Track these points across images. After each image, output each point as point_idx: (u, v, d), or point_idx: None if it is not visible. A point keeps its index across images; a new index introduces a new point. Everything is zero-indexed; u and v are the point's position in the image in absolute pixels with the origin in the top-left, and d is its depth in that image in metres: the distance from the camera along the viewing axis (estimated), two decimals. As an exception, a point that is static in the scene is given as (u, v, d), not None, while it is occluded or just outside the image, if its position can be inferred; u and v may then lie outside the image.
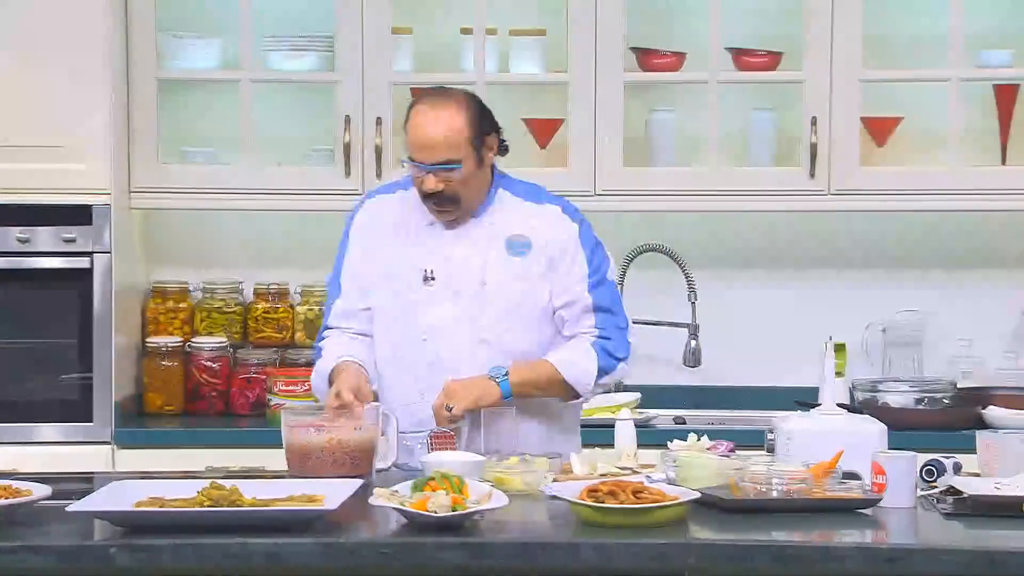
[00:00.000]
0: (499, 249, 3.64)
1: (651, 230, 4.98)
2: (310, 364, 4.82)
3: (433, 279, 3.63)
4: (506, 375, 3.54)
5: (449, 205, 3.61)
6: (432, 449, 3.43)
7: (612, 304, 3.69)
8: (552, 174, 4.74)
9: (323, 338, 3.74)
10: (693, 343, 4.94)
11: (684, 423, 4.83)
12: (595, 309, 3.66)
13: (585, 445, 3.69)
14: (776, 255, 5.07)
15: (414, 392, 3.61)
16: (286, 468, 3.47)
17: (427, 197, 3.60)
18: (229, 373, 4.89)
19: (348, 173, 4.76)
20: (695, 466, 3.21)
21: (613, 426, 3.64)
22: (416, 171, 3.58)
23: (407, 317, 3.63)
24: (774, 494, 3.07)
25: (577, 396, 3.65)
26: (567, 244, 3.65)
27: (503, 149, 3.67)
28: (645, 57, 4.88)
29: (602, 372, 3.63)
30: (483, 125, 3.61)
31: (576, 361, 3.61)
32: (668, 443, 3.45)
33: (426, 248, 3.65)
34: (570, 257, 3.65)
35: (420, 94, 3.68)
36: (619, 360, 3.65)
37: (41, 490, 3.01)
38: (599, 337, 3.64)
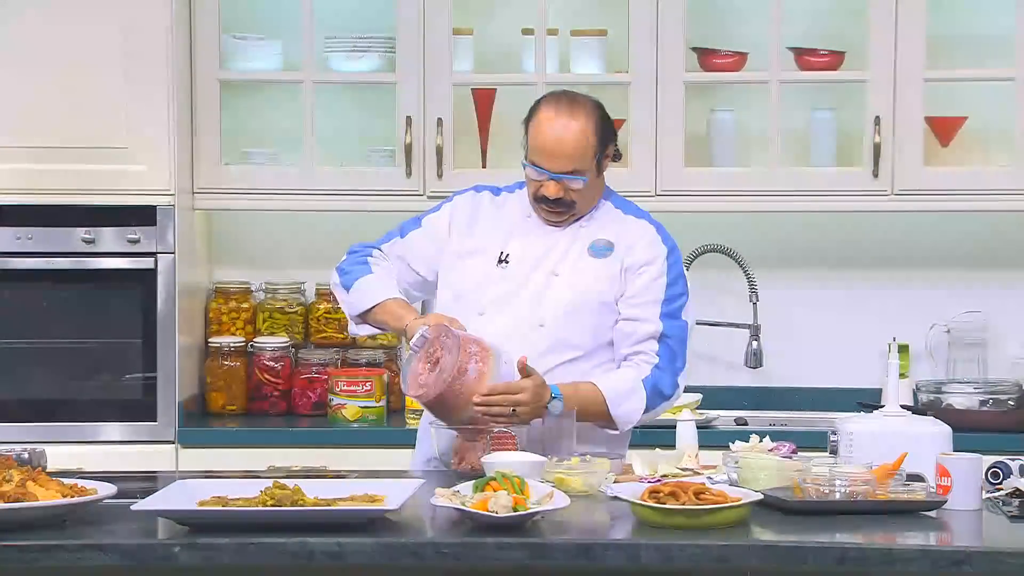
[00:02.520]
0: (581, 248, 3.65)
1: (712, 230, 4.97)
2: (372, 364, 4.90)
3: (507, 262, 3.65)
4: (559, 397, 3.49)
5: (563, 210, 3.63)
6: (492, 449, 3.43)
7: (678, 342, 3.63)
8: (613, 174, 4.71)
9: (370, 253, 3.73)
10: (754, 344, 4.93)
11: (745, 424, 4.82)
12: (660, 338, 3.61)
13: (646, 446, 3.68)
14: (838, 255, 5.04)
15: None
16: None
17: (541, 200, 3.61)
18: (291, 373, 4.92)
19: (409, 174, 4.78)
20: (757, 467, 3.19)
21: (674, 427, 3.63)
22: (537, 175, 3.59)
23: (471, 292, 3.65)
24: (837, 496, 3.06)
25: (615, 429, 3.60)
26: (651, 261, 3.63)
27: (616, 156, 3.68)
28: (706, 57, 4.87)
29: (647, 410, 3.59)
30: (607, 135, 3.61)
31: (625, 400, 3.56)
32: (730, 444, 3.44)
33: (510, 235, 3.67)
34: (652, 275, 3.62)
35: (549, 97, 3.62)
36: (665, 398, 3.61)
37: (106, 489, 3.03)
38: (654, 367, 3.59)
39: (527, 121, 3.63)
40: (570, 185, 3.58)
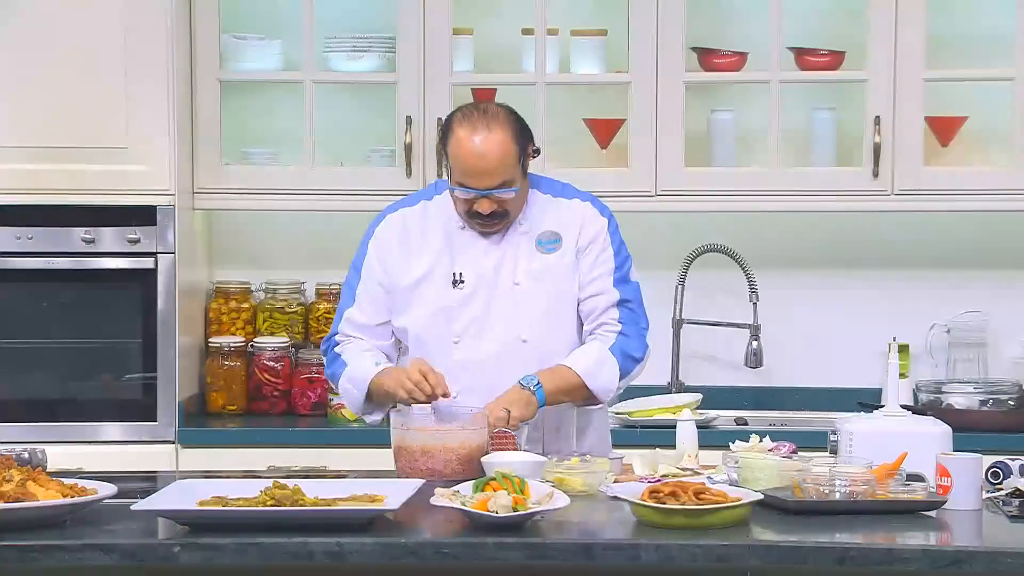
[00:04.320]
0: (530, 247, 3.65)
1: (712, 230, 4.97)
2: (371, 364, 4.89)
3: (462, 282, 3.63)
4: (539, 384, 3.53)
5: (500, 221, 3.62)
6: (492, 449, 3.43)
7: (635, 302, 3.68)
8: (613, 174, 4.74)
9: (336, 343, 3.72)
10: (755, 344, 4.92)
11: (746, 424, 4.82)
12: (619, 304, 3.65)
13: (646, 446, 3.68)
14: (838, 255, 5.04)
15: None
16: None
17: (475, 216, 3.60)
18: (291, 373, 4.92)
19: (409, 174, 4.78)
20: (757, 467, 3.19)
21: (674, 427, 3.63)
22: (467, 195, 3.57)
23: (437, 322, 3.63)
24: (837, 496, 3.06)
25: (598, 402, 3.65)
26: (596, 237, 3.66)
27: (536, 152, 3.66)
28: (706, 57, 4.87)
29: (622, 376, 3.62)
30: (524, 138, 3.60)
31: (599, 371, 3.59)
32: (730, 444, 3.43)
33: (455, 252, 3.65)
34: (598, 249, 3.66)
35: (459, 115, 3.59)
36: (636, 361, 3.64)
37: (106, 489, 3.03)
38: (619, 334, 3.62)
39: (443, 143, 3.59)
40: (502, 197, 3.56)
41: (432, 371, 3.48)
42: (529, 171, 3.70)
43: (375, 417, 3.69)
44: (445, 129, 3.60)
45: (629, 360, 3.62)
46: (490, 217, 3.59)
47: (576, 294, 3.65)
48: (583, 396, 3.61)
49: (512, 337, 3.61)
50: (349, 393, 3.67)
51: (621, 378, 3.61)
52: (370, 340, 3.69)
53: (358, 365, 3.64)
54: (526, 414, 3.51)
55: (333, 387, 3.79)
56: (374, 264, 3.69)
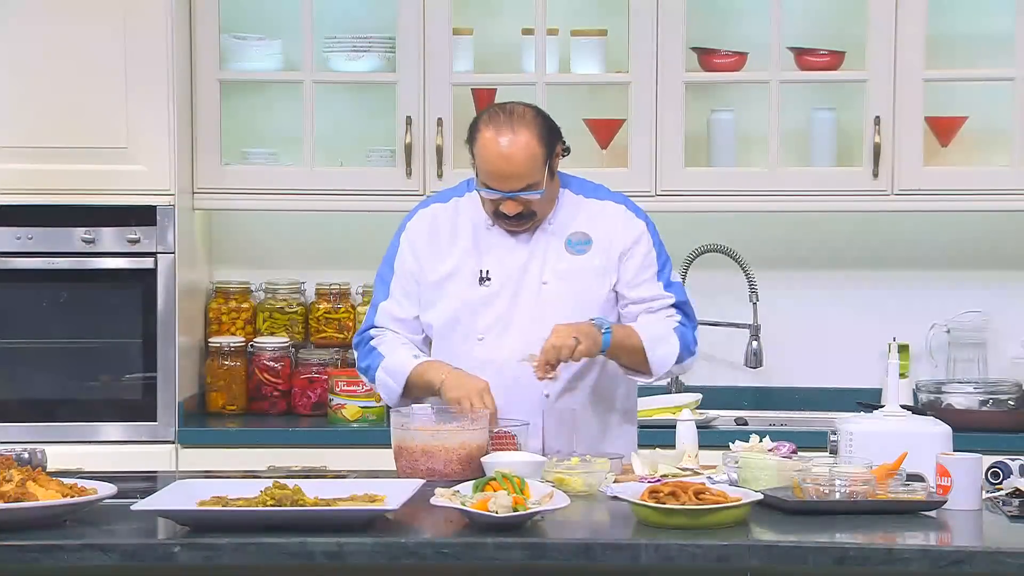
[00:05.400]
0: (559, 247, 3.65)
1: (712, 230, 4.97)
2: (370, 364, 4.89)
3: (489, 279, 3.64)
4: (609, 329, 3.53)
5: (526, 221, 3.62)
6: (492, 449, 3.43)
7: (687, 303, 3.71)
8: (613, 174, 4.73)
9: (371, 337, 3.72)
10: (754, 344, 4.92)
11: (746, 424, 4.82)
12: (674, 305, 3.67)
13: (646, 446, 3.68)
14: (838, 255, 5.05)
15: None
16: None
17: (501, 217, 3.60)
18: (291, 373, 4.92)
19: (409, 174, 4.78)
20: (757, 467, 3.20)
21: (674, 427, 3.63)
22: (492, 196, 3.57)
23: (463, 319, 3.63)
24: (837, 496, 3.06)
25: (649, 375, 3.64)
26: (639, 240, 3.66)
27: (566, 151, 3.66)
28: (706, 57, 4.87)
29: (678, 360, 3.63)
30: (552, 138, 3.59)
31: (661, 345, 3.60)
32: (730, 444, 3.44)
33: (482, 250, 3.65)
34: (643, 252, 3.66)
35: (486, 116, 3.58)
36: (691, 353, 3.67)
37: (106, 489, 3.03)
38: (680, 323, 3.65)
39: (470, 143, 3.59)
40: (527, 199, 3.56)
41: (495, 413, 3.49)
42: (561, 170, 3.70)
43: None
44: (472, 129, 3.60)
45: (686, 349, 3.65)
46: (516, 218, 3.60)
47: (606, 295, 3.65)
48: (638, 362, 3.60)
49: (536, 336, 3.57)
50: (386, 385, 3.66)
51: (678, 362, 3.63)
52: (406, 334, 3.69)
53: (395, 357, 3.64)
54: (591, 350, 3.50)
55: (366, 380, 3.77)
56: (406, 257, 3.70)
